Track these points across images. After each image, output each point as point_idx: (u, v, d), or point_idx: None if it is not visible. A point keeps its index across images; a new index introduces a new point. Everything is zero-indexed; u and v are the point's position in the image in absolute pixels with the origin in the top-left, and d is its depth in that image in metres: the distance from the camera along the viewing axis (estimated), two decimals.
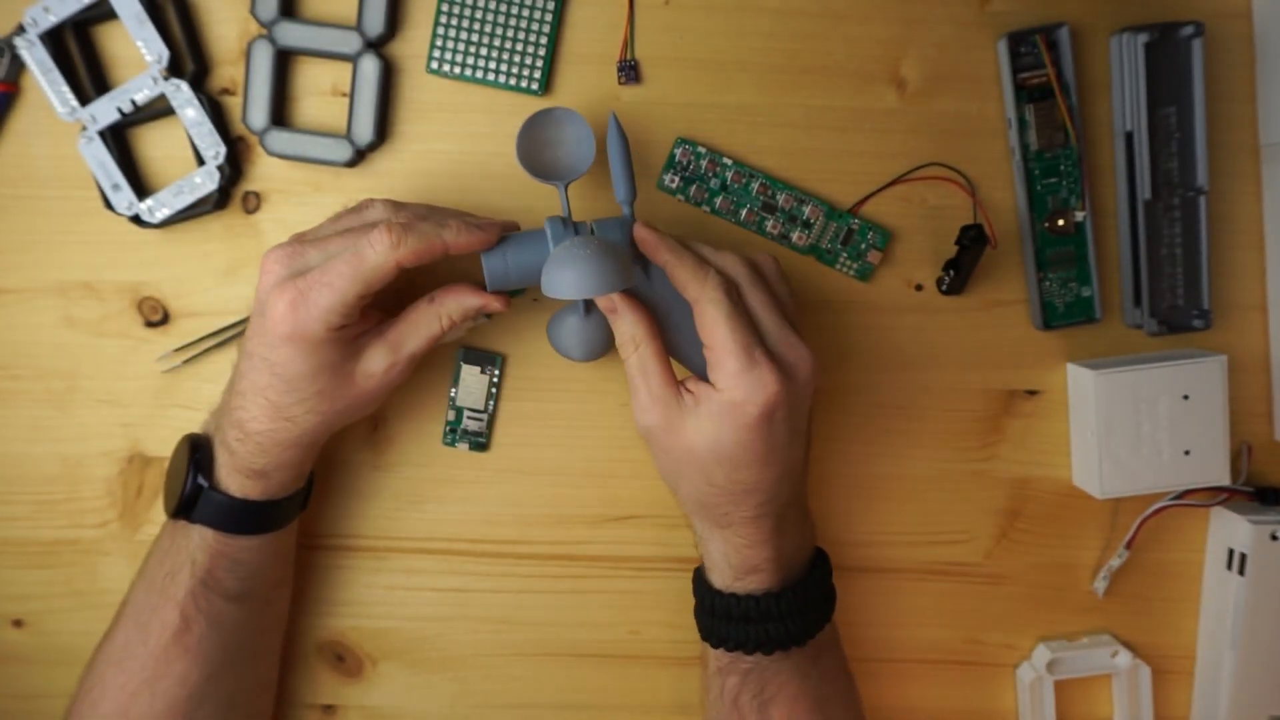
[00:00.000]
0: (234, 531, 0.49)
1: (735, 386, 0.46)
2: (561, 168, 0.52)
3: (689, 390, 0.48)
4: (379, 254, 0.45)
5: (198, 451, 0.50)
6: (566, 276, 0.45)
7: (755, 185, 0.57)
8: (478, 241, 0.47)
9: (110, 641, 0.50)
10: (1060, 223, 0.57)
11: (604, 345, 0.54)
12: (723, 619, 0.50)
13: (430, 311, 0.49)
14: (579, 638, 0.60)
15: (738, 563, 0.50)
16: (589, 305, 0.52)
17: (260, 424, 0.48)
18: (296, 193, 0.57)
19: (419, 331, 0.49)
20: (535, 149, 0.52)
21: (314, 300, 0.45)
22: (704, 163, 0.57)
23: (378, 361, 0.48)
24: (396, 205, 0.49)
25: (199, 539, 0.49)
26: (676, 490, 0.51)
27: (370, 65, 0.55)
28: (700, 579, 0.52)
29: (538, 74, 0.56)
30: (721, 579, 0.51)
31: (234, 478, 0.49)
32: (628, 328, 0.49)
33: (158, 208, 0.55)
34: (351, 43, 0.55)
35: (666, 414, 0.47)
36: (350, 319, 0.47)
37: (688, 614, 0.60)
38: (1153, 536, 0.60)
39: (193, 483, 0.49)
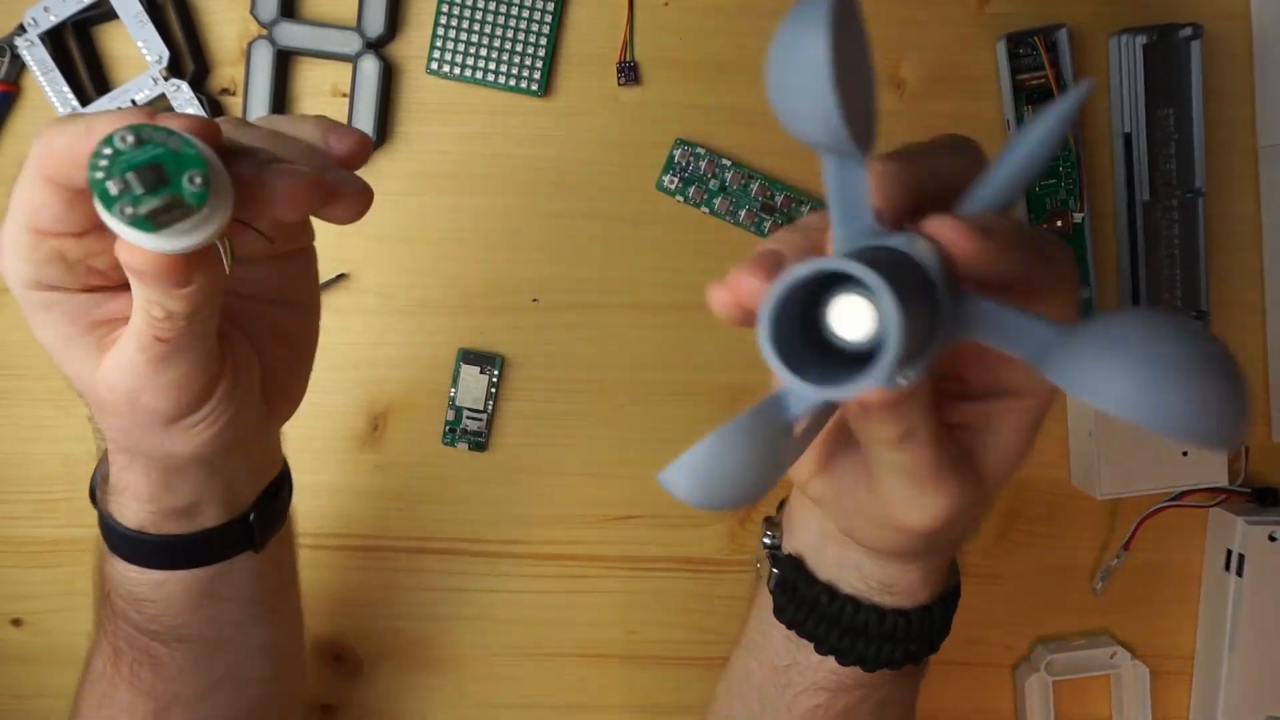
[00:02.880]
0: (117, 554, 0.39)
1: (1041, 379, 0.31)
2: (867, 117, 0.27)
3: (969, 429, 0.32)
4: None
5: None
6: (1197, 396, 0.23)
7: (754, 186, 0.57)
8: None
9: (87, 659, 0.46)
10: (1058, 224, 0.57)
11: (779, 472, 0.30)
12: (883, 640, 0.39)
13: None
14: (579, 638, 0.60)
15: (936, 579, 0.39)
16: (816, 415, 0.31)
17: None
18: None
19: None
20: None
21: None
22: (703, 164, 0.57)
23: None
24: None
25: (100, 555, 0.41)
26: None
27: (370, 66, 0.55)
28: (834, 599, 0.40)
29: (537, 75, 0.56)
30: (901, 600, 0.39)
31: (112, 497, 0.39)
32: (907, 421, 0.29)
33: None
34: (351, 43, 0.55)
35: (957, 489, 0.31)
36: None
37: (687, 614, 0.60)
38: (1151, 537, 0.60)
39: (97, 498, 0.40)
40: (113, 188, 0.25)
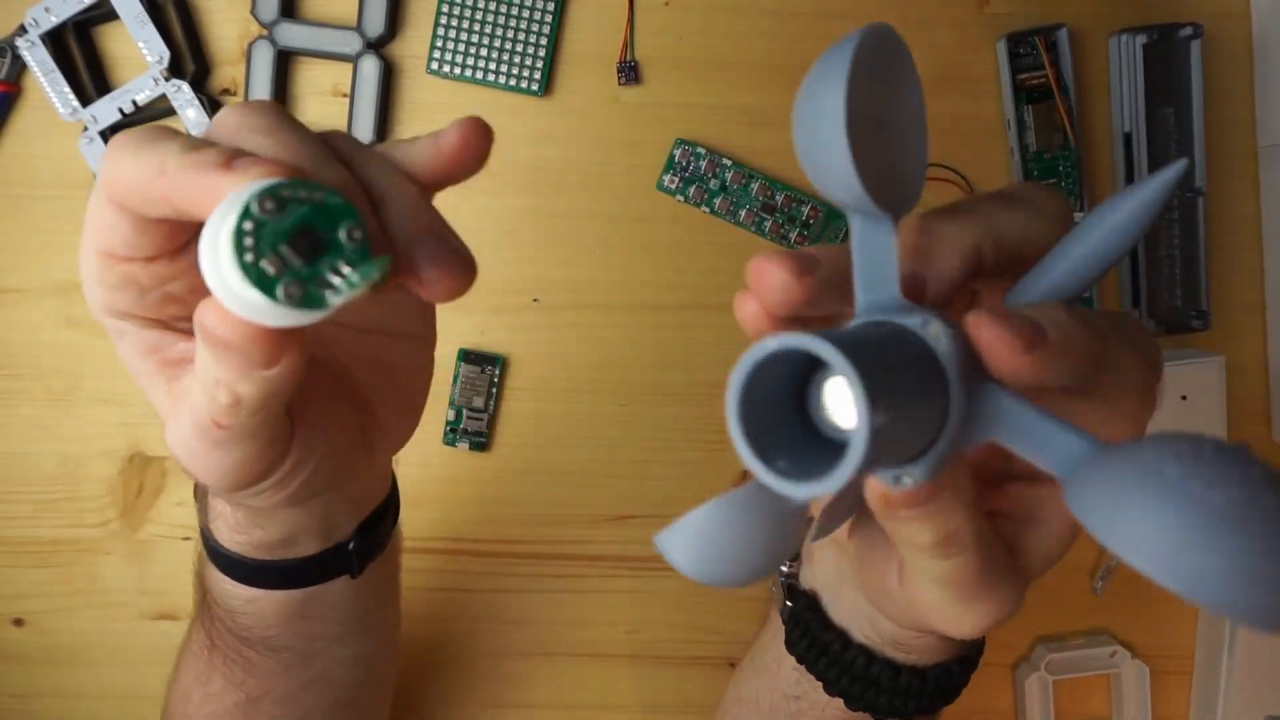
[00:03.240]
0: (213, 563, 0.38)
1: None
2: (898, 178, 0.25)
3: (1010, 517, 0.29)
4: None
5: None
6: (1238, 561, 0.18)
7: (755, 186, 0.57)
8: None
9: (188, 634, 0.45)
10: None
11: (782, 555, 0.28)
12: (895, 693, 0.37)
13: None
14: (579, 637, 0.60)
15: (955, 643, 0.37)
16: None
17: None
18: None
19: None
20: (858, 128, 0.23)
21: None
22: (703, 163, 0.57)
23: None
24: None
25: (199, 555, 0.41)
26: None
27: (370, 66, 0.55)
28: (846, 647, 0.37)
29: (538, 75, 0.56)
30: (927, 658, 0.37)
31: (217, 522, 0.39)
32: (946, 524, 0.26)
33: None
34: (352, 43, 0.55)
35: (1007, 598, 0.28)
36: None
37: (687, 614, 0.60)
38: None
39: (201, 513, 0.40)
40: (269, 268, 0.21)
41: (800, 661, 0.39)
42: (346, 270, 0.21)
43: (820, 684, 0.38)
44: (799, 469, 0.21)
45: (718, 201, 0.57)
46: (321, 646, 0.42)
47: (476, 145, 0.27)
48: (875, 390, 0.20)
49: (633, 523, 0.59)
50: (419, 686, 0.60)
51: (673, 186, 0.57)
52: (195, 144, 0.24)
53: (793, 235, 0.57)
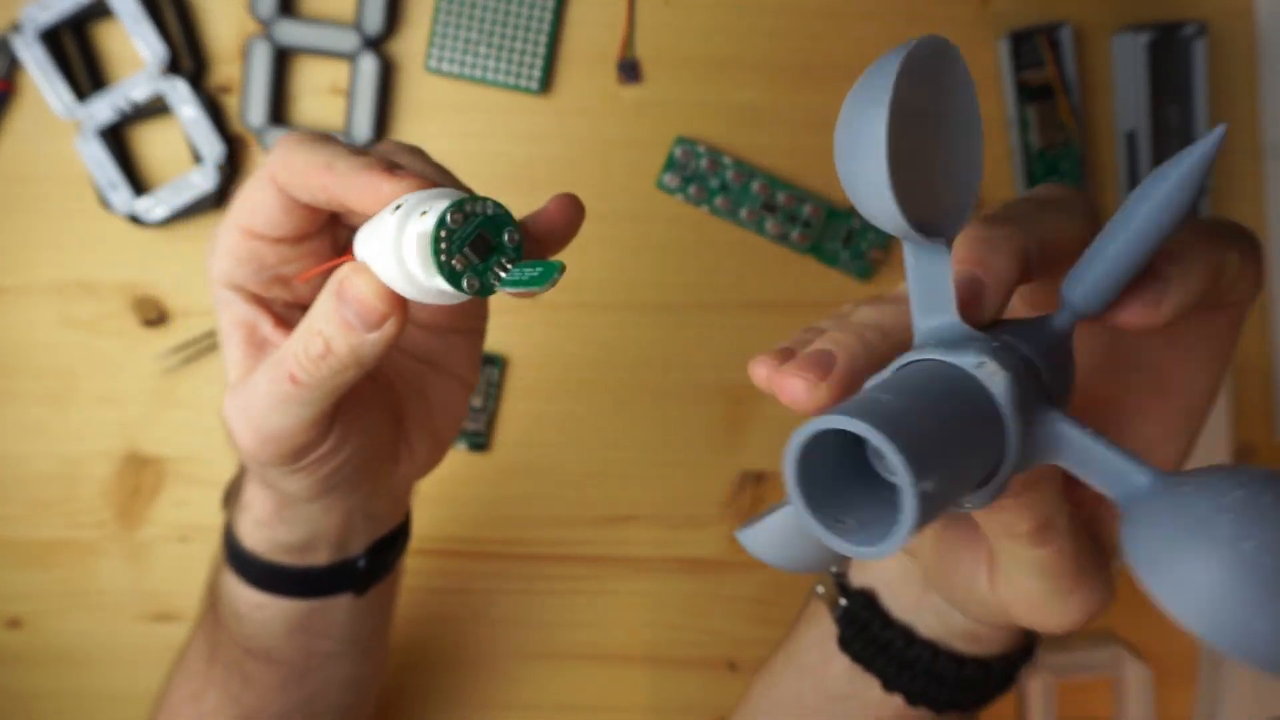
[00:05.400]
0: (230, 566, 0.40)
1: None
2: (948, 206, 0.24)
3: (1099, 520, 0.30)
4: None
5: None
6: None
7: (756, 185, 0.57)
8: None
9: (184, 649, 0.46)
10: None
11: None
12: (958, 687, 0.37)
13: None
14: (579, 638, 0.60)
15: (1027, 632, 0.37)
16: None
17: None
18: None
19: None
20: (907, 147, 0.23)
21: None
22: (704, 162, 0.57)
23: None
24: None
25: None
26: None
27: (369, 63, 0.55)
28: (910, 643, 0.37)
29: (537, 72, 0.56)
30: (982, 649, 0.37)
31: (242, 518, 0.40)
32: (1043, 510, 0.27)
33: (155, 206, 0.55)
34: (350, 40, 0.55)
35: (1103, 589, 0.29)
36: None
37: (687, 614, 0.60)
38: None
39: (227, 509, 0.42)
40: (457, 265, 0.27)
41: (856, 660, 0.38)
42: (509, 265, 0.28)
43: (876, 682, 0.38)
44: (863, 516, 0.22)
45: (718, 200, 0.57)
46: (318, 664, 0.44)
47: (568, 212, 0.31)
48: (921, 461, 0.20)
49: (633, 523, 0.59)
50: (418, 686, 0.60)
51: (673, 185, 0.57)
52: (358, 150, 0.29)
53: (794, 234, 0.57)
